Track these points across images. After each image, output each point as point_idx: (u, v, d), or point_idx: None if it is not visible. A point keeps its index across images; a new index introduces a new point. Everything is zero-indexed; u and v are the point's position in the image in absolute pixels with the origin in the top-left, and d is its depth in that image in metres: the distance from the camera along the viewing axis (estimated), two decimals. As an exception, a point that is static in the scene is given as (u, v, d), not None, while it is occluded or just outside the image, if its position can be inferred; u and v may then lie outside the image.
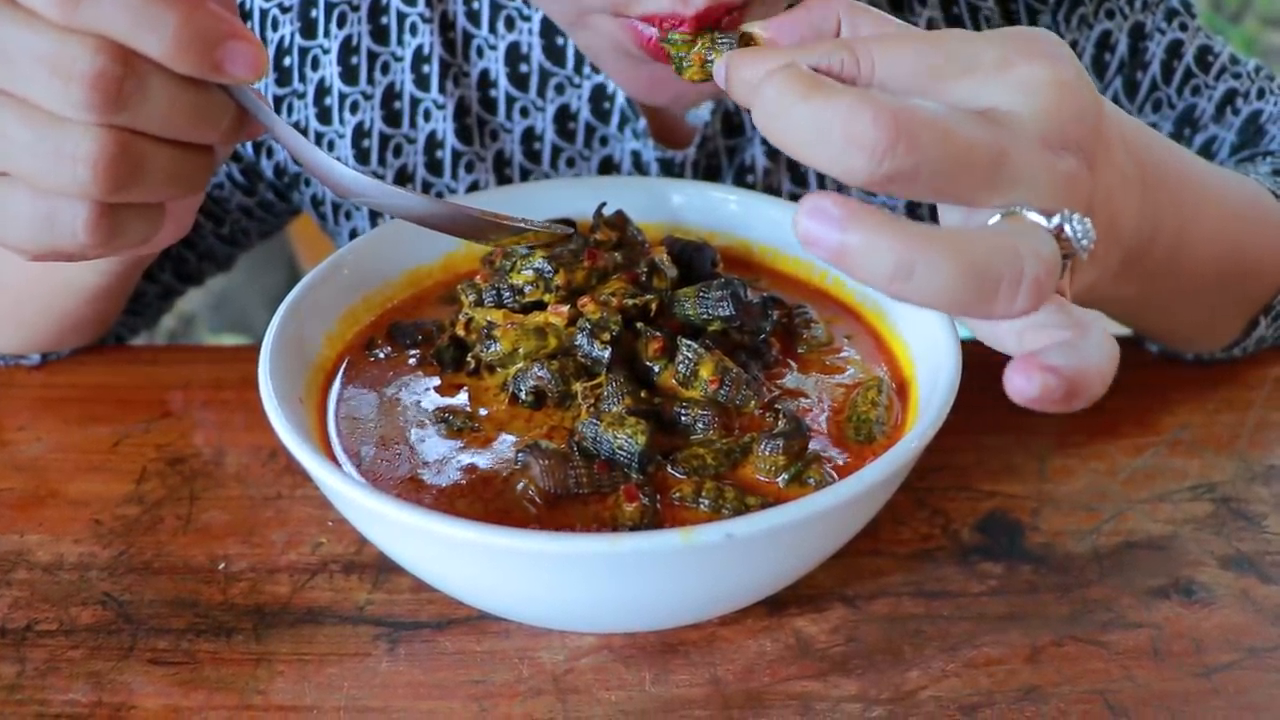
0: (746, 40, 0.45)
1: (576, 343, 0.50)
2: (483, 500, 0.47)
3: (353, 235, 0.77)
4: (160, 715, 0.48)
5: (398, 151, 0.72)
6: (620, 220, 0.58)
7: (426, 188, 0.73)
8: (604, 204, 0.59)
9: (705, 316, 0.52)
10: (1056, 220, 0.38)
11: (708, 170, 0.74)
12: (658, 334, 0.51)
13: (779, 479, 0.48)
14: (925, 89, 0.39)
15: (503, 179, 0.73)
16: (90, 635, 0.52)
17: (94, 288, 0.62)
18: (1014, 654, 0.50)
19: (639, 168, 0.72)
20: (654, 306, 0.52)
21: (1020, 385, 0.36)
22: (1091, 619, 0.52)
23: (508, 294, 0.53)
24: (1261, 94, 0.75)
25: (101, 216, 0.42)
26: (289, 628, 0.52)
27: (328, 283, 0.55)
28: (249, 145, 0.74)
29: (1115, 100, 0.75)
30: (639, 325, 0.51)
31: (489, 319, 0.52)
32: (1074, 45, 0.75)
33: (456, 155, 0.72)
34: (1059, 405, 0.36)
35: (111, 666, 0.50)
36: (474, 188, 0.73)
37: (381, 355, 0.55)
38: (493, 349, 0.52)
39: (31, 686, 0.49)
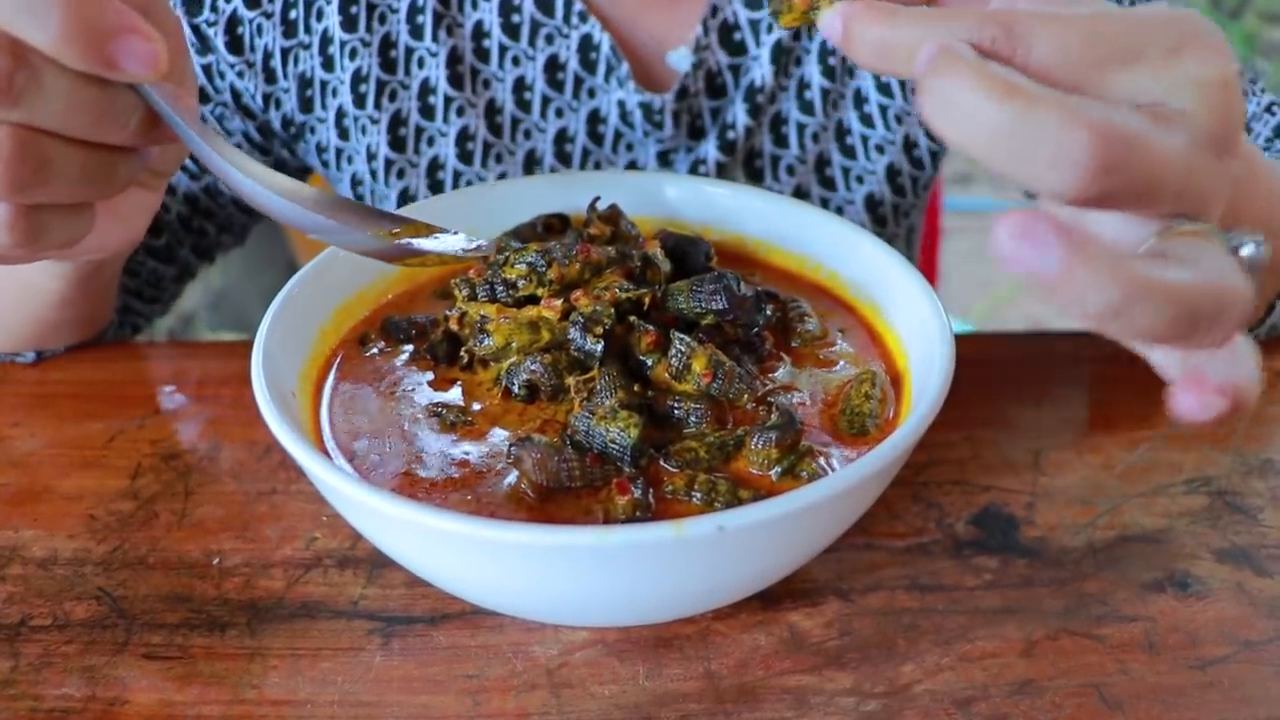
0: None
1: (569, 336, 0.50)
2: (476, 494, 0.47)
3: (354, 182, 0.78)
4: (154, 710, 0.48)
5: (393, 96, 0.75)
6: (614, 214, 0.58)
7: (419, 132, 0.75)
8: (597, 198, 0.58)
9: (698, 310, 0.52)
10: (1236, 242, 0.37)
11: (690, 129, 0.76)
12: (651, 328, 0.51)
13: (772, 472, 0.47)
14: (1086, 78, 0.36)
15: (493, 126, 0.75)
16: (84, 630, 0.52)
17: (56, 293, 0.63)
18: (1009, 647, 0.50)
19: (624, 117, 0.74)
20: (647, 300, 0.52)
21: (1191, 406, 0.35)
22: (1086, 613, 0.52)
23: (501, 288, 0.53)
24: (1243, 95, 0.75)
25: (18, 217, 0.41)
26: (283, 622, 0.52)
27: (322, 277, 0.55)
28: (259, 98, 0.76)
29: None
30: (632, 319, 0.51)
31: (482, 313, 0.52)
32: None
33: (448, 100, 0.74)
34: (1218, 421, 0.35)
35: (105, 661, 0.50)
36: (464, 132, 0.75)
37: (375, 350, 0.55)
38: (485, 343, 0.52)
39: (25, 681, 0.49)
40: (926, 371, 0.49)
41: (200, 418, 0.66)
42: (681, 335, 0.50)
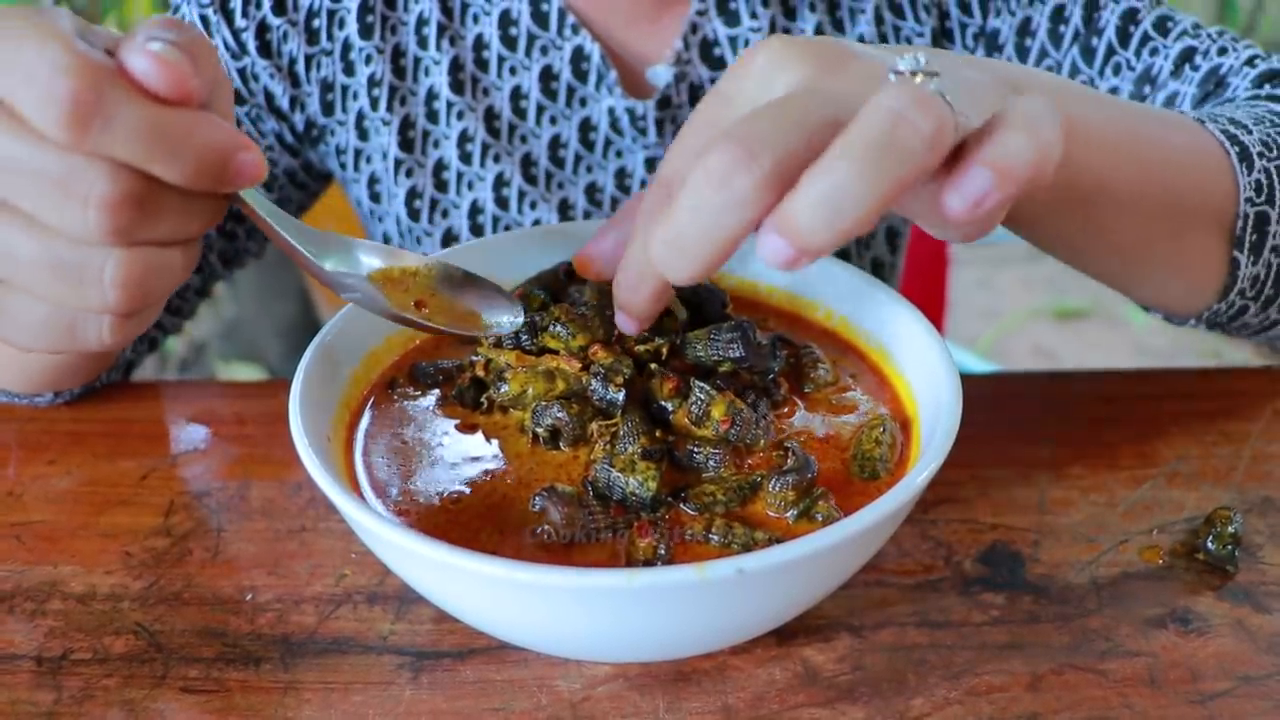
0: None
1: (591, 388, 0.52)
2: (503, 536, 0.49)
3: (370, 181, 0.84)
4: (193, 742, 0.50)
5: (404, 101, 0.80)
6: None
7: (426, 135, 0.81)
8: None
9: (716, 358, 0.54)
10: (891, 64, 0.42)
11: (675, 134, 0.78)
12: (672, 374, 0.52)
13: (788, 514, 0.49)
14: None
15: (492, 130, 0.81)
16: (123, 664, 0.54)
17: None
18: (1015, 682, 0.52)
19: (613, 125, 0.79)
20: (665, 350, 0.54)
21: (955, 205, 0.39)
22: (1090, 648, 0.54)
23: (526, 337, 0.55)
24: (1223, 51, 0.75)
25: (126, 319, 0.44)
26: (315, 657, 0.54)
27: (353, 324, 0.57)
28: (286, 100, 0.81)
29: (1073, 67, 0.79)
30: (653, 366, 0.53)
31: (505, 360, 0.54)
32: (1028, 21, 0.79)
33: (450, 105, 0.80)
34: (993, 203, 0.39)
35: (145, 695, 0.52)
36: (463, 135, 0.80)
37: (404, 395, 0.57)
38: (503, 390, 0.54)
39: (68, 714, 0.51)
40: (935, 417, 0.51)
41: (230, 456, 0.68)
42: (701, 383, 0.52)
